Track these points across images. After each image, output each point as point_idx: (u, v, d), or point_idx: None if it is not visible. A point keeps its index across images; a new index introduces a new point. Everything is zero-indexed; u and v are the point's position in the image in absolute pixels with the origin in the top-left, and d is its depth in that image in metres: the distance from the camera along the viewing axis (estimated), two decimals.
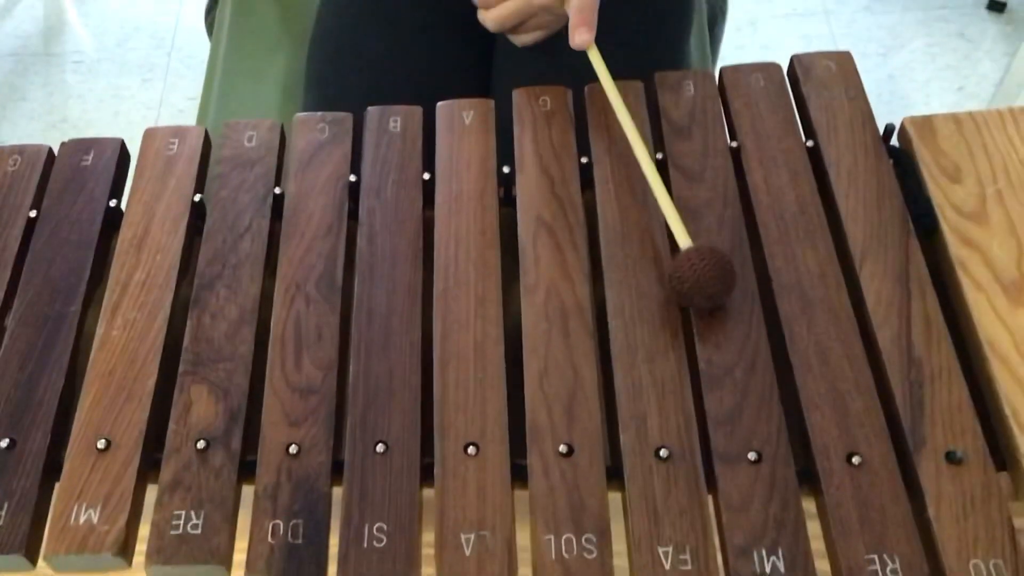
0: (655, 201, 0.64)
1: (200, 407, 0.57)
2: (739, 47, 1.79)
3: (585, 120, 0.70)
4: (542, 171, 0.66)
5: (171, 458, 0.56)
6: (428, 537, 0.53)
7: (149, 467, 0.57)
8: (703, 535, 0.52)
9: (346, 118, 0.71)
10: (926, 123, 0.68)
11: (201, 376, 0.59)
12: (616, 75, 0.68)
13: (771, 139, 0.68)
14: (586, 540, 0.52)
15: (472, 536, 0.52)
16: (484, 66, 0.91)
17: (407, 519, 0.53)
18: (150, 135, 0.71)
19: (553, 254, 0.62)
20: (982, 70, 1.74)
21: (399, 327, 0.60)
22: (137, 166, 0.69)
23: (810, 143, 0.68)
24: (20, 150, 0.70)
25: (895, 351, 0.57)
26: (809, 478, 0.55)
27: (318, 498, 0.54)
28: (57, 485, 0.56)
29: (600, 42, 0.70)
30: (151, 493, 0.55)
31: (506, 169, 0.67)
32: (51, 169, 0.70)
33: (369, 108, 0.71)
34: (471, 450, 0.55)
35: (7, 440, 0.56)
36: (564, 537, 0.52)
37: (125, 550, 0.53)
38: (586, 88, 0.71)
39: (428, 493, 0.55)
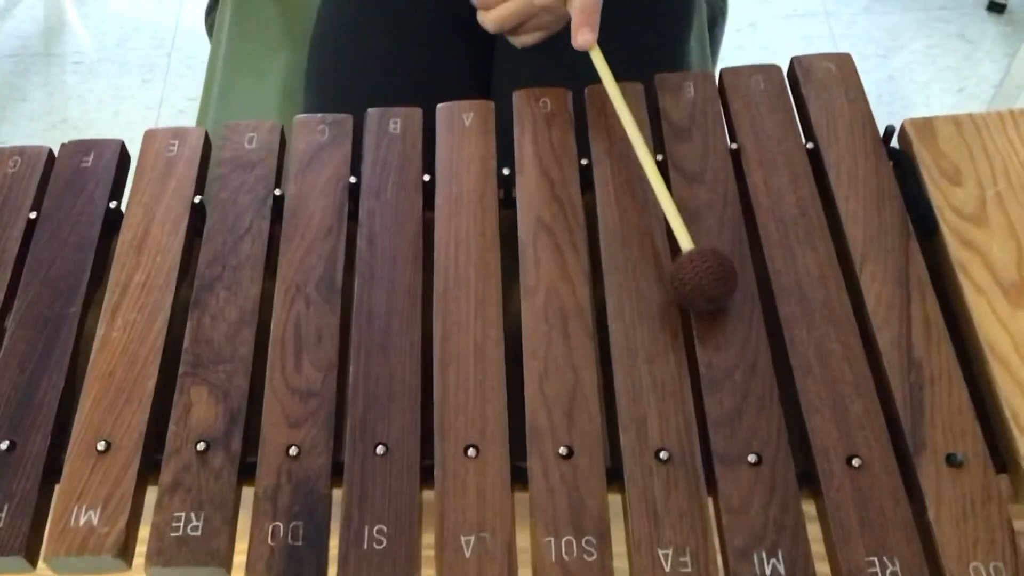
0: (655, 203, 0.64)
1: (200, 409, 0.57)
2: (739, 48, 1.79)
3: (585, 122, 0.70)
4: (542, 173, 0.66)
5: (171, 460, 0.56)
6: (428, 539, 0.53)
7: (149, 469, 0.57)
8: (703, 537, 0.52)
9: (346, 120, 0.71)
10: (926, 125, 0.68)
11: (201, 378, 0.59)
12: (616, 76, 0.68)
13: (771, 141, 0.68)
14: (586, 542, 0.52)
15: (472, 538, 0.52)
16: (484, 67, 0.91)
17: (407, 521, 0.53)
18: (150, 136, 0.71)
19: (553, 256, 0.62)
20: (982, 71, 1.74)
21: (399, 329, 0.60)
22: (137, 167, 0.69)
23: (810, 145, 0.68)
24: (20, 151, 0.70)
25: (895, 353, 0.57)
26: (809, 480, 0.55)
27: (318, 500, 0.54)
28: (57, 487, 0.55)
29: (600, 43, 0.70)
30: (151, 495, 0.55)
31: (506, 171, 0.67)
32: (51, 170, 0.70)
33: (369, 110, 0.71)
34: (471, 452, 0.55)
35: (7, 442, 0.56)
36: (564, 539, 0.52)
37: (125, 552, 0.53)
38: (586, 90, 0.71)
39: (428, 495, 0.55)
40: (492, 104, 0.71)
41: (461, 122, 0.70)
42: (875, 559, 0.51)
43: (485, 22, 0.79)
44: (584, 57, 0.70)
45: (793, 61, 0.72)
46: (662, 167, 0.65)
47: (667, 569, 0.51)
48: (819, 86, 0.70)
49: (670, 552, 0.51)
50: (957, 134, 0.67)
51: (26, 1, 1.97)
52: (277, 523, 0.53)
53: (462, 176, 0.67)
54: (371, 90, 0.87)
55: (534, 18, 0.78)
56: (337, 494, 0.55)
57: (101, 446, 0.56)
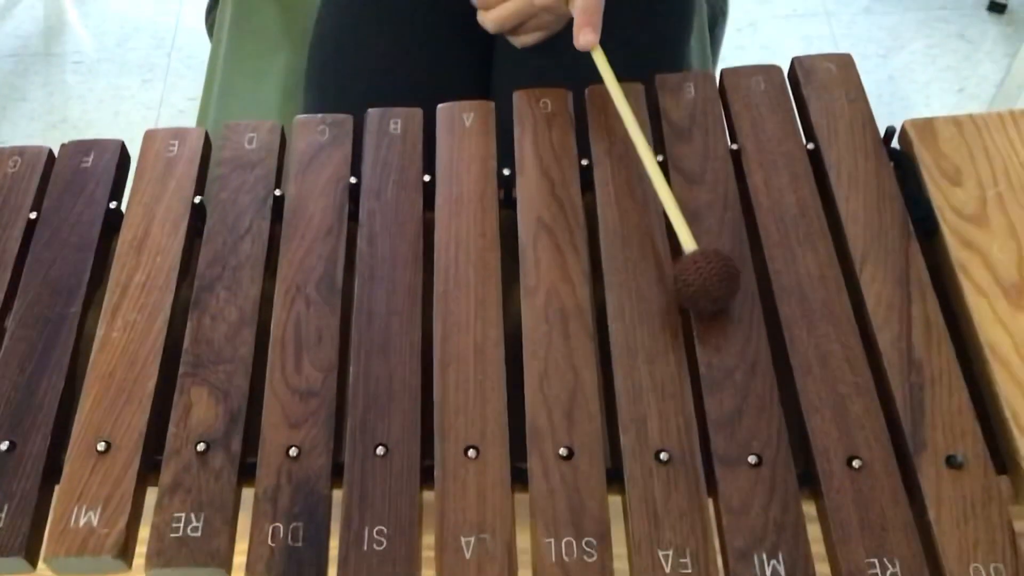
0: (656, 203, 0.64)
1: (200, 409, 0.57)
2: (739, 48, 1.79)
3: (586, 122, 0.70)
4: (542, 173, 0.66)
5: (171, 460, 0.56)
6: (428, 540, 0.53)
7: (149, 469, 0.57)
8: (703, 538, 0.52)
9: (346, 120, 0.71)
10: (927, 125, 0.68)
11: (201, 378, 0.59)
12: (616, 77, 0.68)
13: (771, 141, 0.68)
14: (586, 543, 0.52)
15: (472, 539, 0.52)
16: (484, 68, 0.91)
17: (407, 522, 0.53)
18: (150, 137, 0.71)
19: (553, 256, 0.62)
20: (982, 71, 1.74)
21: (399, 329, 0.60)
22: (137, 168, 0.69)
23: (811, 146, 0.67)
24: (20, 151, 0.70)
25: (895, 354, 0.57)
26: (809, 481, 0.55)
27: (318, 500, 0.54)
28: (57, 487, 0.55)
29: (600, 43, 0.70)
30: (151, 495, 0.55)
31: (506, 171, 0.67)
32: (51, 171, 0.70)
33: (369, 110, 0.71)
34: (471, 453, 0.55)
35: (7, 442, 0.56)
36: (564, 540, 0.52)
37: (125, 552, 0.53)
38: (587, 90, 0.71)
39: (428, 496, 0.55)
40: (492, 104, 0.71)
41: (461, 122, 0.70)
42: (875, 560, 0.51)
43: (485, 22, 0.79)
44: (584, 57, 0.70)
45: (794, 61, 0.72)
46: (662, 168, 0.65)
47: (667, 570, 0.51)
48: (820, 87, 0.70)
49: (670, 553, 0.51)
50: (958, 135, 0.67)
51: (26, 1, 1.97)
52: (277, 524, 0.53)
53: (462, 176, 0.67)
54: (371, 90, 0.87)
55: (534, 18, 0.78)
56: (337, 495, 0.55)
57: (101, 447, 0.56)
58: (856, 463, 0.54)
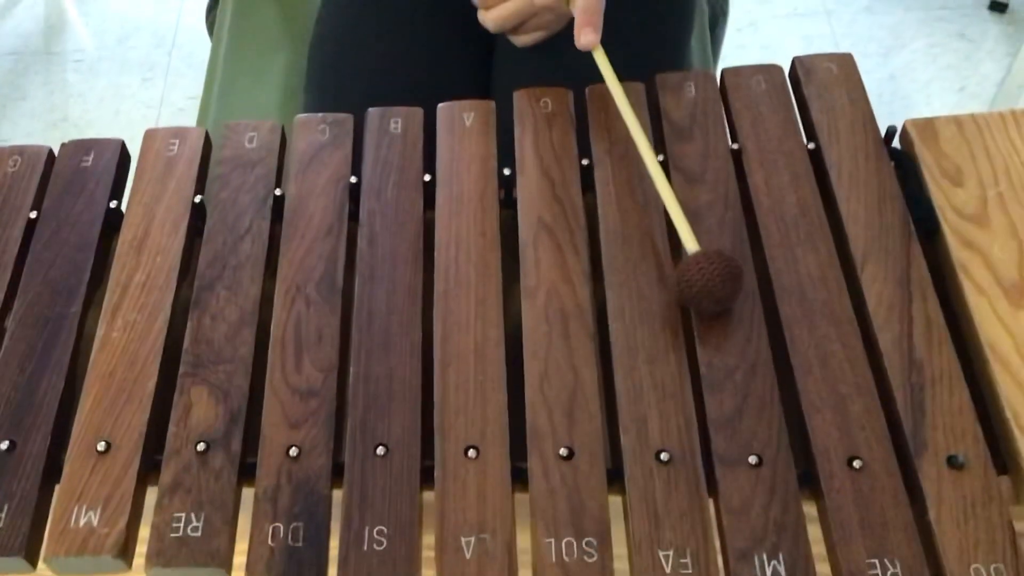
0: (656, 203, 0.64)
1: (200, 409, 0.57)
2: (740, 47, 1.78)
3: (586, 121, 0.70)
4: (543, 173, 0.66)
5: (171, 460, 0.56)
6: (428, 540, 0.53)
7: (149, 469, 0.57)
8: (704, 538, 0.52)
9: (347, 119, 0.71)
10: (927, 125, 0.68)
11: (201, 378, 0.59)
12: (617, 76, 0.68)
13: (772, 141, 0.67)
14: (586, 543, 0.52)
15: (472, 539, 0.52)
16: (485, 67, 0.91)
17: (407, 522, 0.53)
18: (150, 136, 0.71)
19: (554, 256, 0.62)
20: (983, 71, 1.74)
21: (399, 329, 0.60)
22: (137, 167, 0.69)
23: (811, 145, 0.67)
24: (20, 151, 0.70)
25: (896, 354, 0.57)
26: (810, 481, 0.55)
27: (318, 500, 0.54)
28: (57, 487, 0.55)
29: (601, 43, 0.70)
30: (151, 495, 0.55)
31: (507, 171, 0.67)
32: (51, 170, 0.70)
33: (370, 109, 0.71)
34: (471, 453, 0.55)
35: (7, 442, 0.56)
36: (564, 540, 0.52)
37: (125, 552, 0.53)
38: (587, 89, 0.71)
39: (428, 496, 0.55)
40: (493, 104, 0.71)
41: (462, 122, 0.70)
42: (876, 560, 0.51)
43: (486, 21, 0.79)
44: (585, 57, 0.70)
45: (794, 61, 0.72)
46: (663, 167, 0.65)
47: (668, 570, 0.51)
48: (820, 86, 0.70)
49: (671, 553, 0.51)
50: (958, 134, 0.67)
51: None
52: (277, 524, 0.53)
53: (463, 176, 0.67)
54: (372, 90, 0.87)
55: (535, 17, 0.78)
56: (337, 495, 0.55)
57: (101, 446, 0.56)
58: (857, 463, 0.54)
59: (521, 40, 0.82)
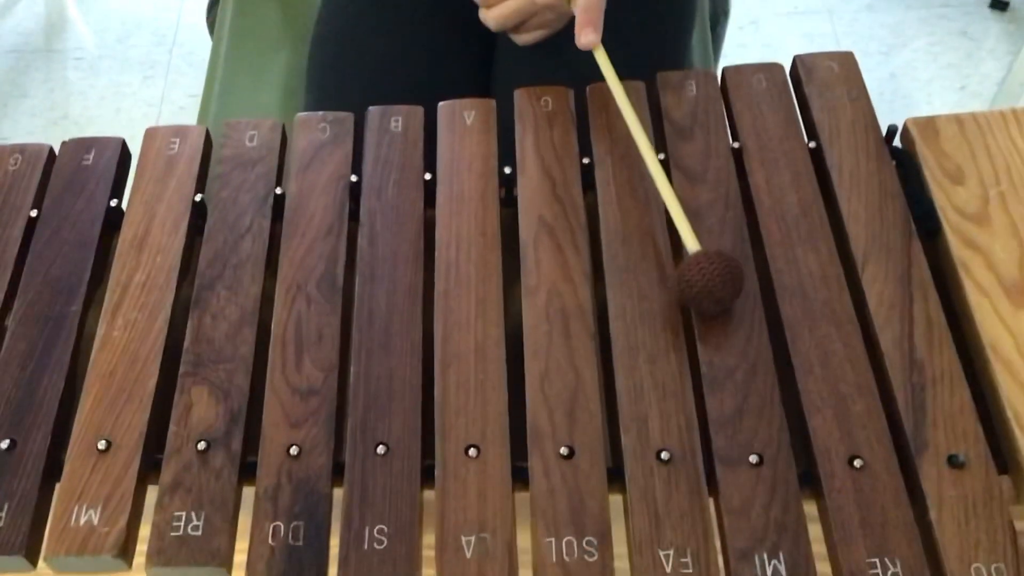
0: (657, 202, 0.64)
1: (201, 408, 0.57)
2: (741, 46, 1.78)
3: (587, 120, 0.69)
4: (543, 172, 0.66)
5: (172, 459, 0.56)
6: (429, 539, 0.53)
7: (150, 468, 0.57)
8: (704, 538, 0.52)
9: (347, 118, 0.71)
10: (929, 124, 0.68)
11: (202, 377, 0.59)
12: (618, 75, 0.68)
13: (773, 140, 0.67)
14: (587, 543, 0.52)
15: (473, 538, 0.52)
16: (485, 66, 0.91)
17: (408, 521, 0.53)
18: (151, 135, 0.71)
19: (554, 255, 0.62)
20: (985, 69, 1.74)
21: (400, 328, 0.60)
22: (138, 166, 0.69)
23: (812, 144, 0.67)
24: (21, 149, 0.70)
25: (897, 354, 0.57)
26: (810, 481, 0.55)
27: (319, 500, 0.54)
28: (58, 486, 0.55)
29: (602, 42, 0.70)
30: (151, 494, 0.55)
31: (507, 170, 0.67)
32: (52, 168, 0.70)
33: (370, 108, 0.71)
34: (472, 452, 0.55)
35: (8, 441, 0.56)
36: (565, 539, 0.52)
37: (125, 551, 0.53)
38: (588, 88, 0.71)
39: (429, 495, 0.55)
40: (493, 102, 0.70)
41: (462, 120, 0.70)
42: (876, 560, 0.51)
43: (487, 20, 0.79)
44: (586, 56, 0.70)
45: (795, 60, 0.72)
46: (663, 166, 0.65)
47: (668, 570, 0.51)
48: (821, 85, 0.70)
49: (671, 553, 0.51)
50: (959, 133, 0.67)
51: None
52: (278, 523, 0.53)
53: (463, 175, 0.67)
54: (372, 88, 0.87)
55: (536, 16, 0.78)
56: (338, 494, 0.55)
57: (102, 445, 0.56)
58: (857, 463, 0.54)
59: (522, 39, 0.81)
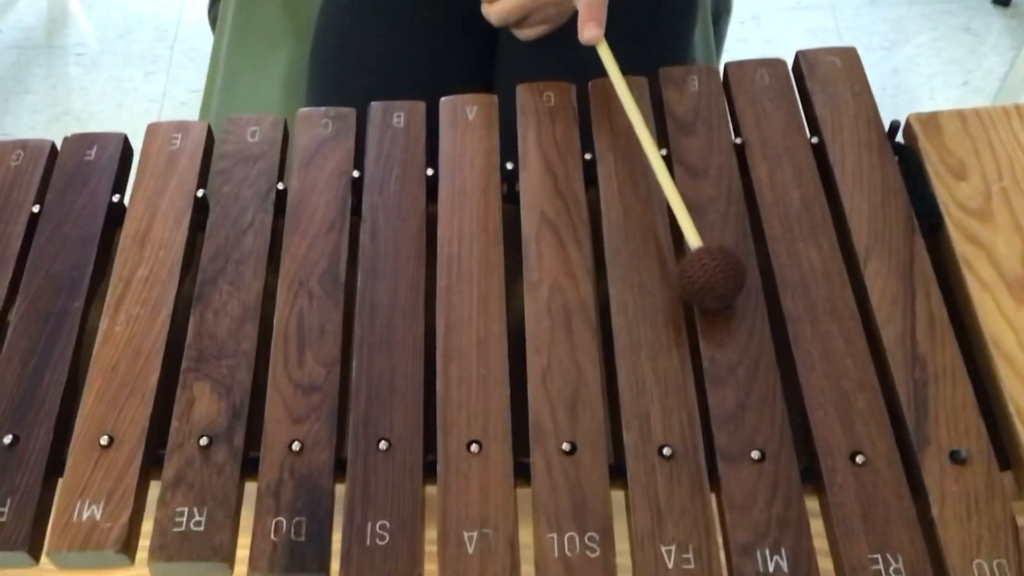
0: (659, 198, 0.64)
1: (203, 404, 0.57)
2: (742, 41, 1.78)
3: (589, 116, 0.69)
4: (546, 167, 0.66)
5: (174, 455, 0.56)
6: (431, 535, 0.53)
7: (152, 464, 0.57)
8: (706, 534, 0.52)
9: (349, 113, 0.70)
10: (931, 120, 0.68)
11: (204, 373, 0.59)
12: (620, 70, 0.68)
13: (776, 135, 0.67)
14: (589, 538, 0.52)
15: (475, 534, 0.52)
16: (487, 61, 0.91)
17: (410, 517, 0.53)
18: (153, 130, 0.71)
19: (556, 251, 0.62)
20: (987, 65, 1.73)
21: (402, 324, 0.60)
22: (140, 161, 0.69)
23: (815, 139, 0.67)
24: (23, 145, 0.70)
25: (899, 349, 0.57)
26: (812, 477, 0.55)
27: (321, 495, 0.54)
28: (60, 482, 0.55)
29: (605, 37, 0.69)
30: (154, 490, 0.55)
31: (509, 165, 0.67)
32: (54, 164, 0.70)
33: (372, 103, 0.71)
34: (474, 448, 0.55)
35: (10, 436, 0.56)
36: (567, 535, 0.52)
37: (128, 547, 0.53)
38: (590, 84, 0.71)
39: (431, 491, 0.55)
40: (495, 98, 0.70)
41: (464, 116, 0.69)
42: (878, 556, 0.51)
43: (489, 15, 0.79)
44: (588, 51, 0.70)
45: (798, 55, 0.72)
46: (666, 162, 0.65)
47: (670, 566, 0.51)
48: (824, 80, 0.70)
49: (673, 549, 0.51)
50: (962, 129, 0.67)
51: None
52: (280, 518, 0.53)
53: (465, 170, 0.67)
54: (374, 83, 0.87)
55: (538, 11, 0.78)
56: (340, 490, 0.55)
57: (104, 441, 0.56)
58: (859, 459, 0.53)
59: (524, 34, 0.81)
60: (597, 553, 0.51)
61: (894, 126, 0.68)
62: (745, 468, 0.54)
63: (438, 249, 0.63)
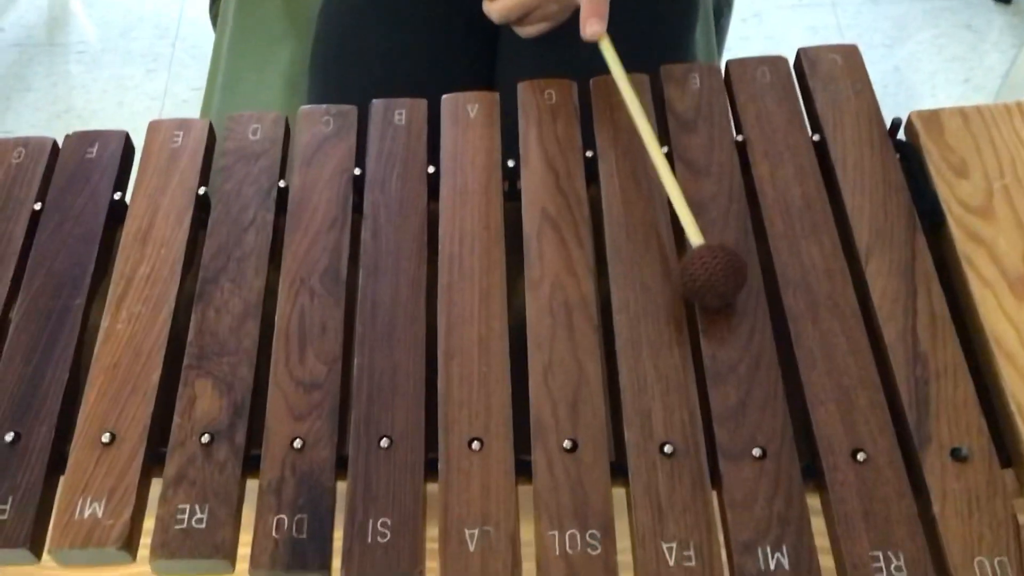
0: (661, 195, 0.64)
1: (204, 401, 0.57)
2: (744, 38, 1.78)
3: (590, 113, 0.69)
4: (547, 165, 0.66)
5: (175, 452, 0.56)
6: (432, 532, 0.53)
7: (153, 461, 0.57)
8: (707, 531, 0.52)
9: (351, 111, 0.70)
10: (933, 117, 0.68)
11: (205, 370, 0.59)
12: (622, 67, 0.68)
13: (777, 133, 0.67)
14: (590, 536, 0.52)
15: (476, 531, 0.52)
16: (488, 58, 0.91)
17: (411, 514, 0.53)
18: (154, 128, 0.71)
19: (558, 248, 0.62)
20: (989, 62, 1.73)
21: (403, 321, 0.60)
22: (141, 159, 0.69)
23: (816, 137, 0.67)
24: (24, 142, 0.70)
25: (901, 347, 0.57)
26: (814, 474, 0.55)
27: (322, 493, 0.54)
28: (62, 479, 0.56)
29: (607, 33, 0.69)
30: (156, 487, 0.55)
31: (511, 163, 0.67)
32: (55, 162, 0.70)
33: (374, 101, 0.71)
34: (475, 445, 0.55)
35: (12, 434, 0.56)
36: (568, 533, 0.52)
37: (130, 544, 0.53)
38: (591, 81, 0.71)
39: (432, 488, 0.55)
40: (497, 95, 0.70)
41: (466, 113, 0.70)
42: (879, 553, 0.51)
43: (490, 12, 0.79)
44: (589, 48, 0.70)
45: (799, 52, 0.72)
46: (667, 159, 0.65)
47: (671, 563, 0.51)
48: (825, 78, 0.70)
49: (674, 546, 0.51)
50: (964, 126, 0.67)
51: None
52: (281, 516, 0.53)
53: (467, 168, 0.67)
54: (375, 81, 0.87)
55: (539, 8, 0.78)
56: (341, 487, 0.55)
57: (106, 438, 0.56)
58: (861, 456, 0.54)
59: (526, 31, 0.81)
60: (598, 551, 0.51)
61: (895, 123, 0.68)
62: (746, 465, 0.54)
63: (439, 247, 0.63)
